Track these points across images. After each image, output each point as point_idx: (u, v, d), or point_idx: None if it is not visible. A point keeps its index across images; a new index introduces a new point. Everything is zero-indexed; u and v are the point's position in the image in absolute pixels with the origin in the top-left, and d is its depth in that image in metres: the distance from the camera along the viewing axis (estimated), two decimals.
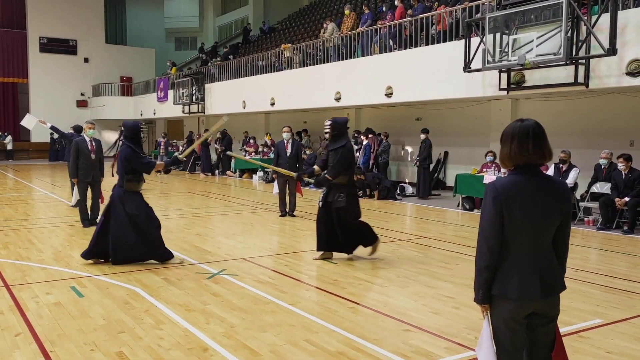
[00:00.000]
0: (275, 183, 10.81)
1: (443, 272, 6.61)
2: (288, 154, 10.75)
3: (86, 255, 6.81)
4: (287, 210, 10.97)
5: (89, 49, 33.25)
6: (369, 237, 7.17)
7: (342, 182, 6.90)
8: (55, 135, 26.62)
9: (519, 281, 2.57)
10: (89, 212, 9.54)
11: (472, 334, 4.49)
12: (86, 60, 33.20)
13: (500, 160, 2.71)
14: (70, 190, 10.59)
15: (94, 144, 9.47)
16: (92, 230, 8.07)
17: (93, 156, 9.39)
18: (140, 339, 4.36)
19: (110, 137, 28.43)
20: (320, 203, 7.05)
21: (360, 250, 7.28)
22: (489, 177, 11.20)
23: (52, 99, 32.01)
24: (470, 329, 4.62)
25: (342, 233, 6.97)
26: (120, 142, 6.84)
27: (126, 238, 6.63)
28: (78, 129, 15.49)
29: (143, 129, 6.87)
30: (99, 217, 7.86)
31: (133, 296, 5.51)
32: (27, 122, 12.25)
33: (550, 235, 2.64)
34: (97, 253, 6.83)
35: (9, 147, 30.49)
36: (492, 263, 2.62)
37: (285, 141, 10.88)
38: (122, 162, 6.68)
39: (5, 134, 30.78)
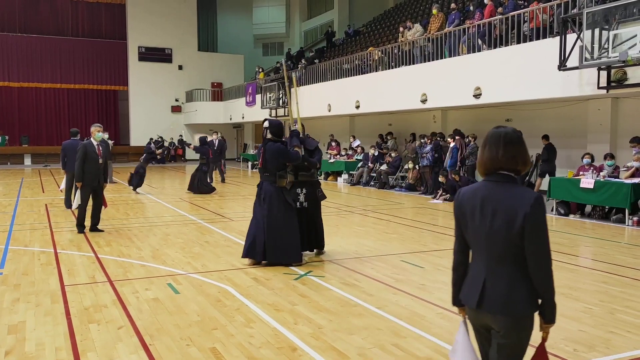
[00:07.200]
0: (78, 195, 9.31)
1: None
2: None
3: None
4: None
5: (183, 57, 34.89)
6: None
7: None
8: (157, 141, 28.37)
9: (467, 287, 2.58)
10: (90, 218, 9.29)
11: (571, 346, 4.27)
12: (180, 67, 34.86)
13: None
14: (72, 194, 10.20)
15: (100, 147, 9.16)
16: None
17: (100, 160, 9.09)
18: (232, 336, 4.51)
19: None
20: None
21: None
22: (587, 180, 10.60)
23: (149, 105, 33.85)
24: (568, 340, 4.40)
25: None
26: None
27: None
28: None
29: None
30: None
31: (225, 294, 5.71)
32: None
33: (504, 247, 2.43)
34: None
35: None
36: (457, 266, 2.66)
37: None
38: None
39: None
